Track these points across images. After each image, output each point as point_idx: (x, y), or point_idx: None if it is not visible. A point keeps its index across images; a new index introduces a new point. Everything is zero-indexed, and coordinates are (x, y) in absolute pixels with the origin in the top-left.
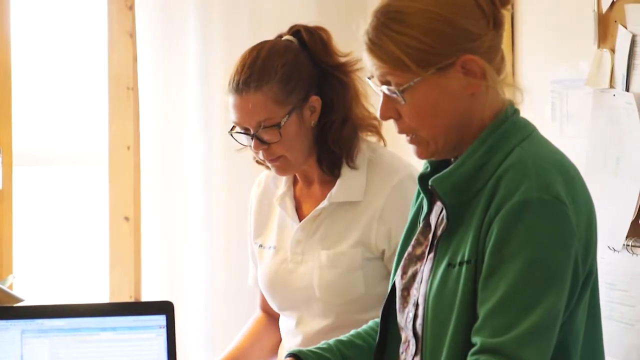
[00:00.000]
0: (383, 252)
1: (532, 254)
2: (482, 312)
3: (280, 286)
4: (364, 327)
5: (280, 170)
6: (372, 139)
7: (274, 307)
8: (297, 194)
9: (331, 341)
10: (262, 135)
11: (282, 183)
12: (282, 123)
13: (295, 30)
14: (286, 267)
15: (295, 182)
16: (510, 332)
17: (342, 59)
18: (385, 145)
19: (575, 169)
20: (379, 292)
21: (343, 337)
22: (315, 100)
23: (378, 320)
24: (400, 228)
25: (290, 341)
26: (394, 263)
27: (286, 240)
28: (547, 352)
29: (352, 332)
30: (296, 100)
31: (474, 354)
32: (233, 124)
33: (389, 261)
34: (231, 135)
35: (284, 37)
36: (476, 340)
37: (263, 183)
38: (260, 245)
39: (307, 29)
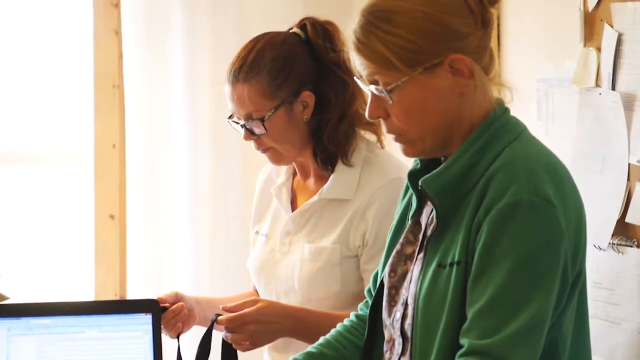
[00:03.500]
0: (359, 250)
1: (521, 256)
2: (470, 313)
3: (266, 274)
4: (332, 332)
5: (273, 160)
6: (373, 137)
7: (259, 293)
8: (294, 185)
9: (299, 356)
10: (250, 126)
11: (282, 173)
12: (266, 117)
13: (303, 24)
14: (274, 256)
15: (294, 173)
16: (498, 334)
17: (347, 56)
18: (382, 144)
19: (565, 170)
20: (355, 292)
21: (312, 348)
22: (307, 96)
23: (347, 323)
24: (375, 229)
25: None
26: (381, 260)
27: (277, 230)
28: (535, 353)
29: (321, 340)
30: (286, 95)
31: (461, 355)
32: (231, 112)
33: (363, 261)
34: (229, 122)
35: (293, 30)
36: (464, 341)
37: (268, 171)
38: (257, 232)
39: (313, 22)
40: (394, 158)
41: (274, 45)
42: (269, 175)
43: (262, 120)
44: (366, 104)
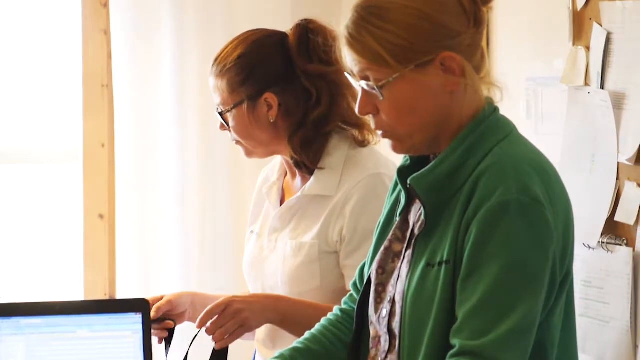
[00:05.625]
0: (337, 245)
1: (510, 256)
2: (460, 313)
3: (255, 272)
4: (318, 326)
5: (245, 153)
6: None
7: (250, 291)
8: (284, 184)
9: (286, 352)
10: (220, 118)
11: (275, 172)
12: (224, 111)
13: (294, 25)
14: (262, 253)
15: (286, 172)
16: (489, 335)
17: (316, 67)
18: (366, 142)
19: (553, 170)
20: (336, 288)
21: (298, 343)
22: (270, 98)
23: (331, 317)
24: (352, 224)
25: (259, 330)
26: (369, 255)
27: (266, 227)
28: (525, 354)
29: (307, 334)
30: (248, 93)
31: (453, 356)
32: None
33: (342, 257)
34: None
35: (288, 30)
36: (455, 342)
37: (265, 173)
38: (252, 232)
39: (299, 25)
40: (377, 154)
41: (245, 43)
42: (265, 177)
43: (221, 113)
44: (345, 108)
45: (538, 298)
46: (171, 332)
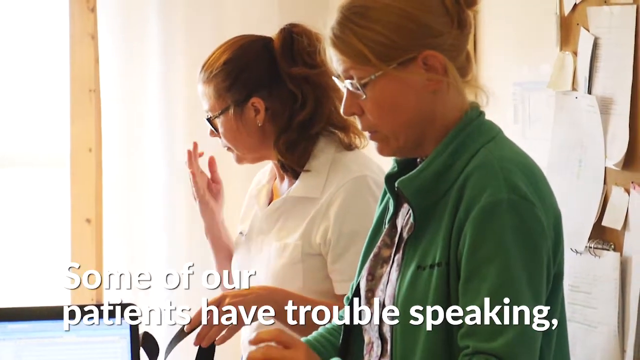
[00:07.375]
0: (321, 248)
1: (507, 255)
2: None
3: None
4: (314, 334)
5: (235, 159)
6: (357, 140)
7: None
8: (274, 187)
9: (311, 336)
10: (209, 124)
11: (266, 176)
12: (212, 117)
13: (279, 30)
14: (249, 254)
15: (276, 176)
16: (503, 336)
17: (300, 69)
18: (353, 145)
19: (539, 171)
20: (320, 291)
21: (321, 330)
22: (257, 102)
23: (328, 326)
24: (338, 227)
25: (245, 330)
26: (358, 263)
27: (254, 229)
28: (537, 351)
29: (302, 339)
30: (234, 98)
31: (467, 355)
32: None
33: (329, 261)
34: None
35: (274, 35)
36: (468, 343)
37: (258, 177)
38: (240, 233)
39: (283, 29)
40: (363, 157)
41: (231, 49)
42: (258, 180)
43: (209, 120)
44: (331, 110)
45: (540, 296)
46: (153, 341)
